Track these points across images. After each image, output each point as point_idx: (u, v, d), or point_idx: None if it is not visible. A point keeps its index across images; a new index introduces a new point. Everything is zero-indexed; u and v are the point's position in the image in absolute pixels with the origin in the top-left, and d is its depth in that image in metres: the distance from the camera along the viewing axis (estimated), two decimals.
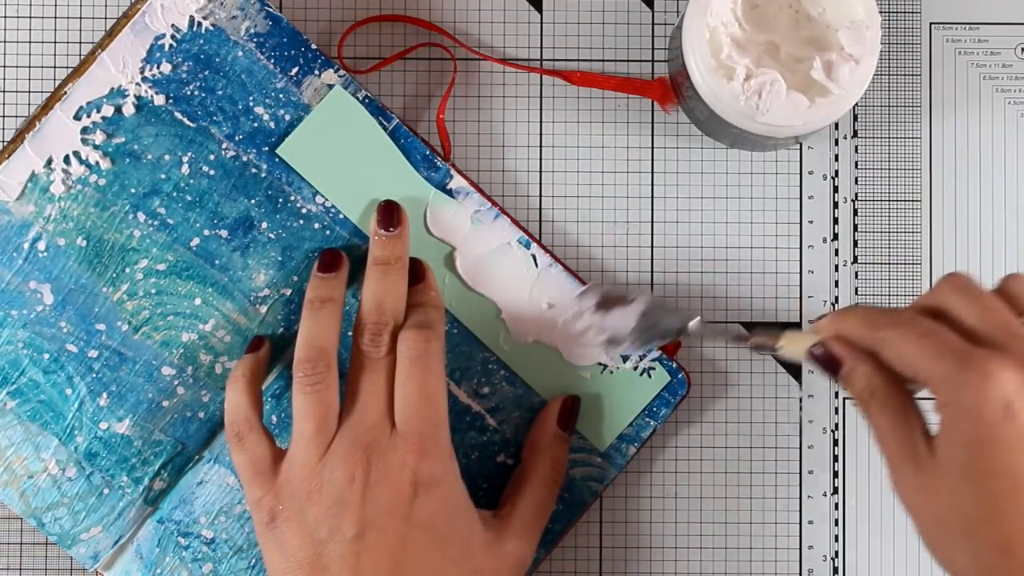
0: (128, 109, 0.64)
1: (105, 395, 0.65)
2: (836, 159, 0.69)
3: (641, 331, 0.63)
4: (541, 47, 0.69)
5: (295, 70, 0.65)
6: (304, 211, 0.65)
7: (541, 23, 0.69)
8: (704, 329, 0.63)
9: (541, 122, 0.69)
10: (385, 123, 0.65)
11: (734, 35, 0.60)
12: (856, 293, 0.69)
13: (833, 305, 0.69)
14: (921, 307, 0.55)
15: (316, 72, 0.65)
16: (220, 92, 0.65)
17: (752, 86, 0.60)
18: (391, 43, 0.69)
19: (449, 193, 0.65)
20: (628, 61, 0.69)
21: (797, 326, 0.68)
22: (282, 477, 0.61)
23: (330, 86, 0.65)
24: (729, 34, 0.60)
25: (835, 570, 0.68)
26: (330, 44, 0.68)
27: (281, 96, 0.65)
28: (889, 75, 0.69)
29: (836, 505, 0.69)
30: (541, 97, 0.69)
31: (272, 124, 0.65)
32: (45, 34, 0.68)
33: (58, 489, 0.65)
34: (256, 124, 0.65)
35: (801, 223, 0.69)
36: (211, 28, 0.64)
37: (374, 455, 0.60)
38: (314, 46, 0.65)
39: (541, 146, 0.69)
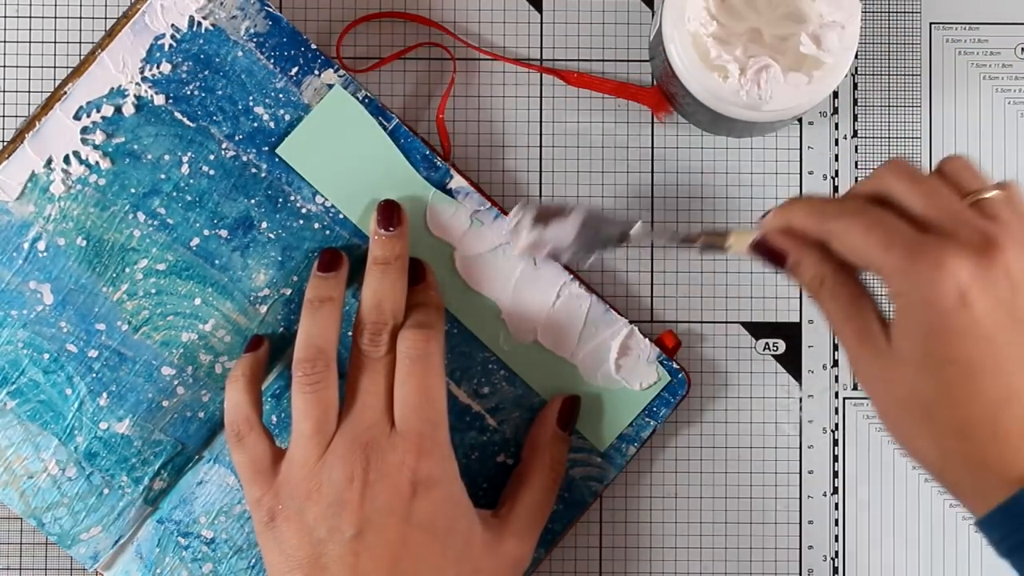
0: (128, 109, 0.64)
1: (105, 395, 0.65)
2: (836, 159, 0.69)
3: (583, 241, 0.63)
4: (541, 47, 0.69)
5: (295, 70, 0.65)
6: (304, 211, 0.65)
7: (541, 23, 0.69)
8: (647, 233, 0.62)
9: (541, 122, 0.69)
10: (385, 123, 0.65)
11: (715, 33, 0.60)
12: None
13: None
14: (866, 193, 0.54)
15: (316, 72, 0.65)
16: (220, 92, 0.65)
17: (749, 77, 0.60)
18: (391, 43, 0.69)
19: (449, 193, 0.65)
20: (628, 61, 0.69)
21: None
22: (281, 476, 0.61)
23: (330, 86, 0.65)
24: (710, 34, 0.60)
25: (835, 570, 0.68)
26: (330, 44, 0.68)
27: (281, 96, 0.65)
28: (889, 75, 0.69)
29: (836, 505, 0.68)
30: (541, 97, 0.69)
31: (272, 124, 0.65)
32: (45, 34, 0.68)
33: (58, 489, 0.65)
34: (256, 124, 0.65)
35: None
36: (211, 28, 0.64)
37: (373, 454, 0.60)
38: (314, 46, 0.65)
39: (541, 146, 0.69)
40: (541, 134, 0.69)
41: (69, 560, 0.68)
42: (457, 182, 0.65)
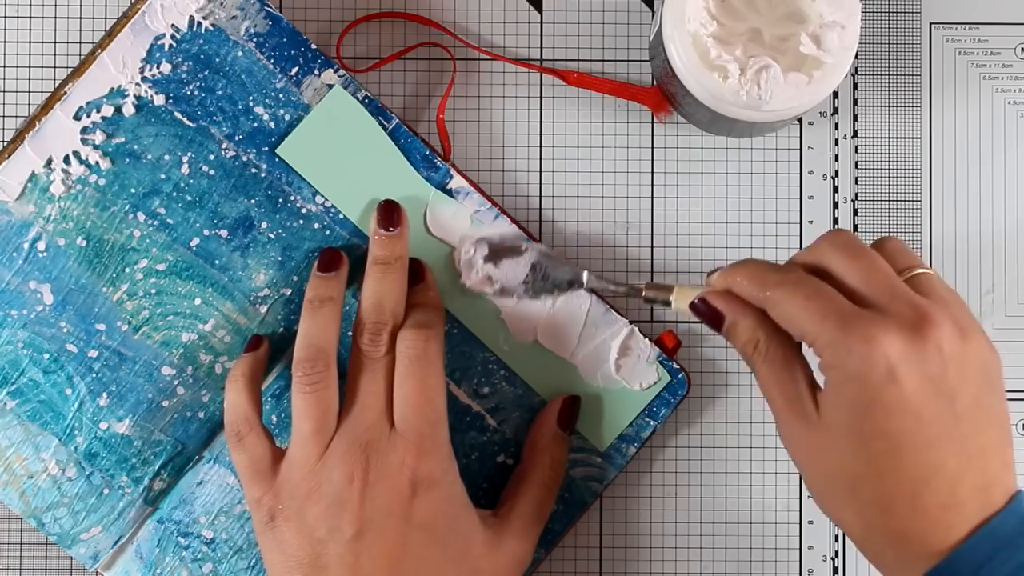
0: (128, 109, 0.64)
1: (105, 395, 0.65)
2: (836, 159, 0.69)
3: (532, 283, 0.63)
4: (541, 47, 0.69)
5: (295, 70, 0.65)
6: (304, 211, 0.65)
7: (541, 23, 0.69)
8: (596, 281, 0.63)
9: (541, 122, 0.69)
10: (385, 123, 0.65)
11: (715, 33, 0.60)
12: None
13: None
14: (805, 264, 0.55)
15: (316, 72, 0.65)
16: (220, 92, 0.65)
17: (749, 77, 0.60)
18: (391, 43, 0.69)
19: (449, 193, 0.65)
20: (628, 61, 0.69)
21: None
22: (281, 477, 0.61)
23: (330, 86, 0.65)
24: (710, 34, 0.60)
25: (835, 570, 0.68)
26: (330, 44, 0.68)
27: (281, 96, 0.65)
28: (889, 75, 0.69)
29: None
30: (541, 97, 0.69)
31: (272, 124, 0.65)
32: (45, 34, 0.68)
33: (58, 489, 0.65)
34: (256, 124, 0.65)
35: (801, 223, 0.69)
36: (211, 28, 0.64)
37: (373, 454, 0.60)
38: (314, 46, 0.65)
39: (541, 146, 0.69)
40: (541, 134, 0.69)
41: (69, 560, 0.68)
42: (457, 182, 0.65)
